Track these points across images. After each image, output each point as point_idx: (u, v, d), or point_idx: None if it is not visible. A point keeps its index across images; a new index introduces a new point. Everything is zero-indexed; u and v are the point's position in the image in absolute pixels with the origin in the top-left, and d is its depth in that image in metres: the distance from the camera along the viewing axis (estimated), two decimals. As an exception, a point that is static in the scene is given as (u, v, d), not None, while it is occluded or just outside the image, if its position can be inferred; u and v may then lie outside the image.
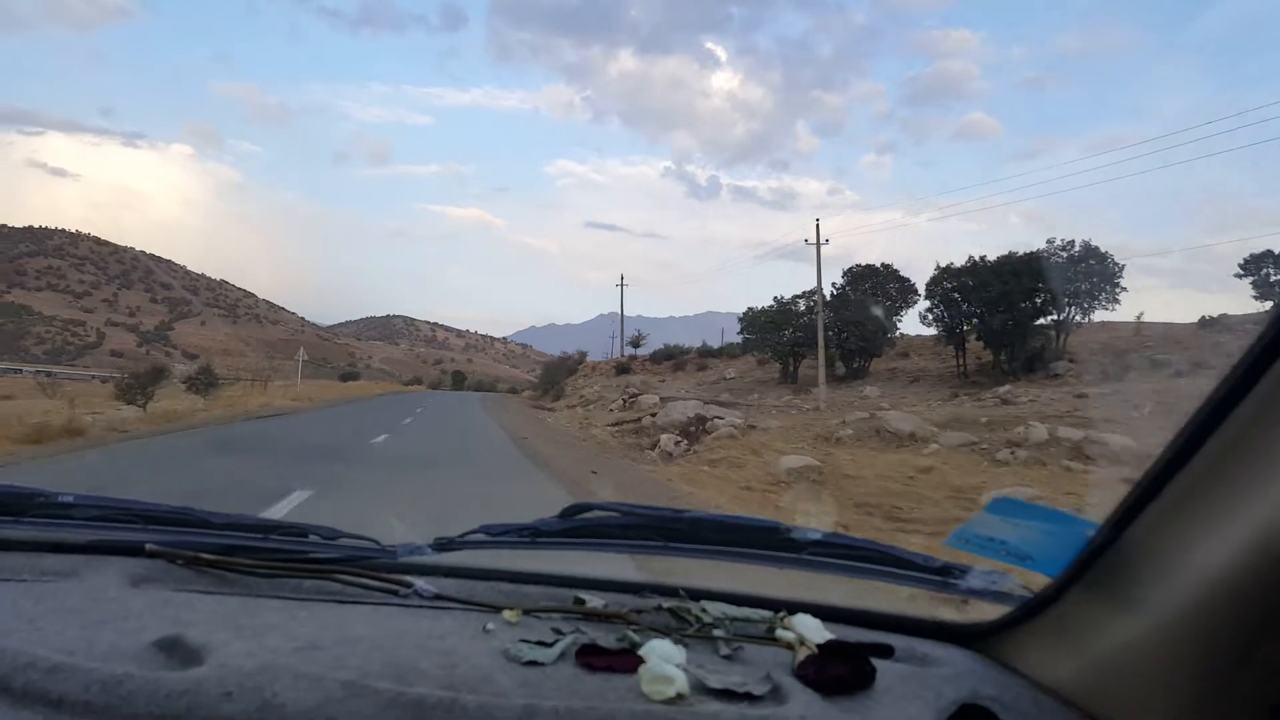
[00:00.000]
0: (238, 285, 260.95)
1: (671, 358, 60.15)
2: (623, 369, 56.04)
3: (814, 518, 10.46)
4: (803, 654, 1.16)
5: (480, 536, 1.46)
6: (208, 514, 1.47)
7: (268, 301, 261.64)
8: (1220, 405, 0.88)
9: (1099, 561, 1.07)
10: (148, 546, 1.33)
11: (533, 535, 1.46)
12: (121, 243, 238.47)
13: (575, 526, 1.48)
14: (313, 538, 1.45)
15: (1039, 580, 1.18)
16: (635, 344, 64.23)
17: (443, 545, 1.45)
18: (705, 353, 59.38)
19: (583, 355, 67.37)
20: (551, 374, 63.50)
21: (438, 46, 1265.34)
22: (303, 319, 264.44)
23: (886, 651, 1.19)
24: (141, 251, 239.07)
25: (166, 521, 1.44)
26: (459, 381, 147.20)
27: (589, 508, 1.52)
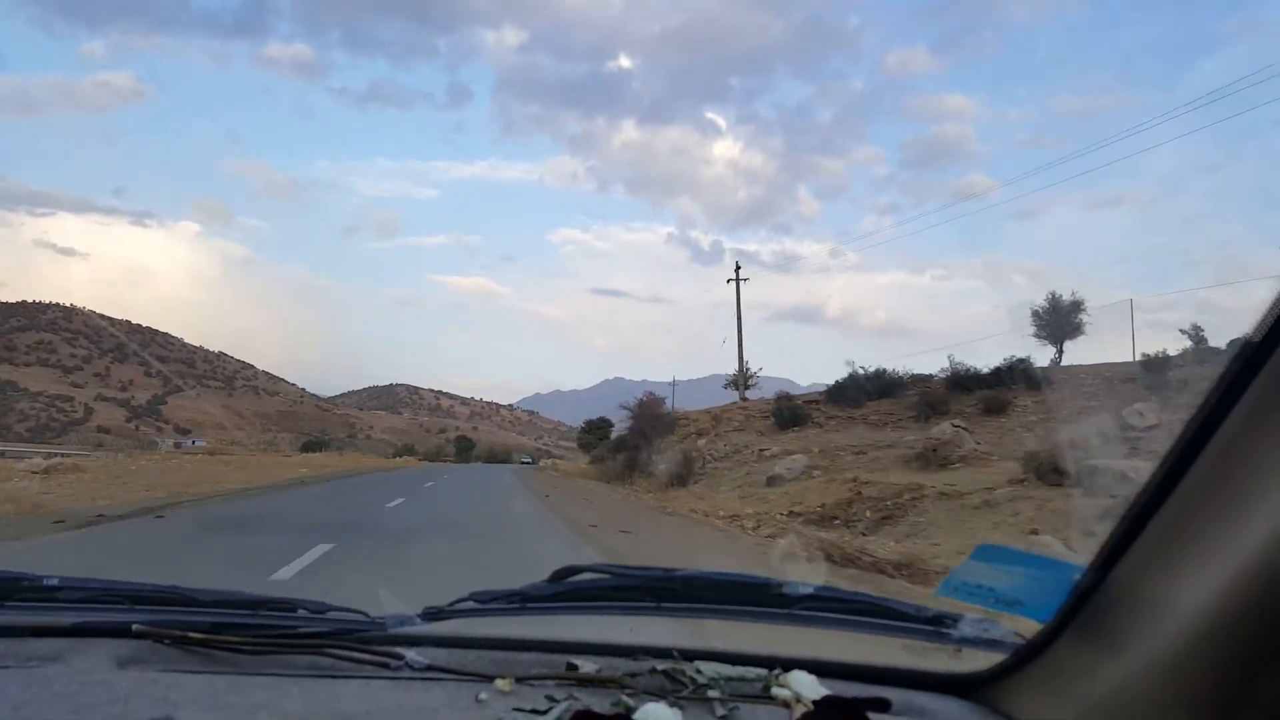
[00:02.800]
0: (237, 357, 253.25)
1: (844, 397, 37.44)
2: (791, 416, 35.00)
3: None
4: (799, 711, 1.16)
5: (470, 604, 1.45)
6: (195, 591, 1.44)
7: (267, 373, 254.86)
8: (1194, 439, 0.88)
9: (1088, 604, 1.07)
10: (134, 627, 1.30)
11: (522, 601, 1.45)
12: (122, 317, 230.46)
13: (565, 590, 1.46)
14: (301, 612, 1.42)
15: (1032, 626, 1.19)
16: (742, 384, 47.49)
17: (432, 615, 1.42)
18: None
19: (659, 401, 44.55)
20: (633, 437, 38.47)
21: (444, 122, 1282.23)
22: (303, 390, 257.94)
23: (883, 705, 1.19)
24: (137, 324, 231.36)
25: (153, 601, 1.42)
26: (465, 450, 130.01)
27: (579, 570, 1.49)
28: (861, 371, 37.56)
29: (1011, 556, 1.22)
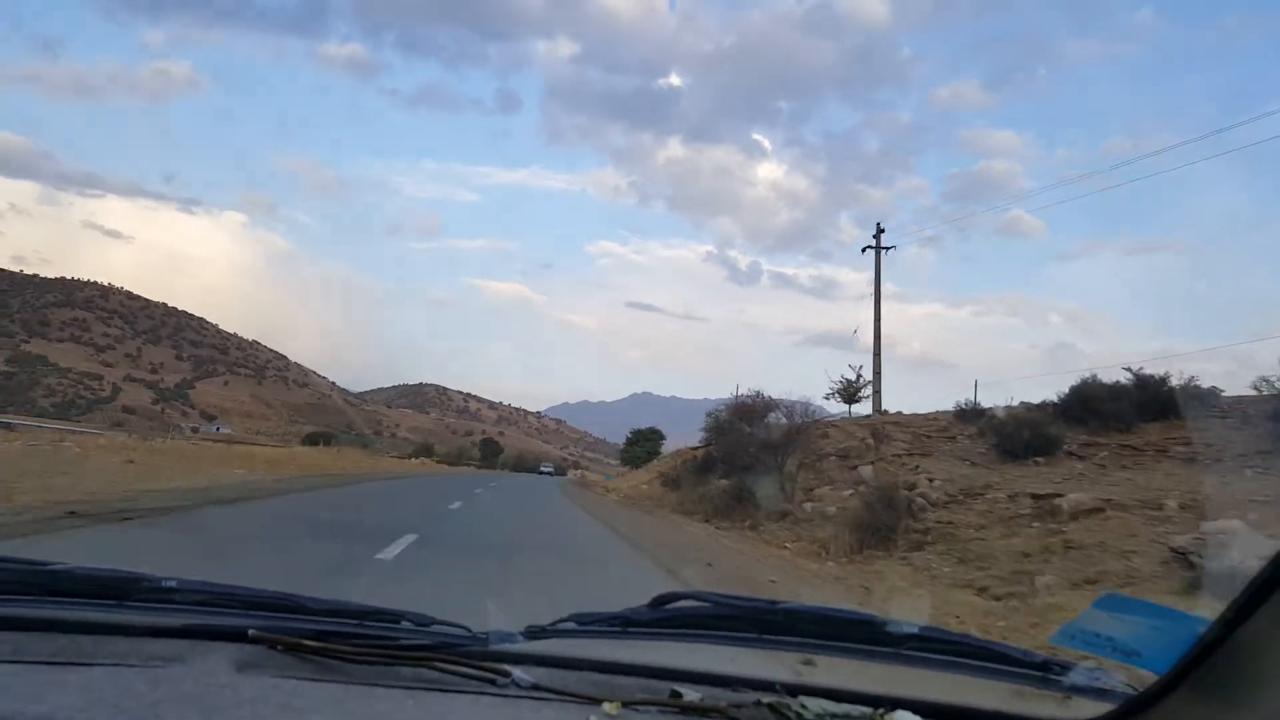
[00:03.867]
0: (270, 347, 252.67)
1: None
2: (1031, 440, 19.48)
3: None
4: None
5: (571, 625, 1.47)
6: (306, 599, 1.48)
7: (299, 365, 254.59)
8: None
9: (1210, 659, 1.06)
10: (250, 632, 1.34)
11: (624, 625, 1.46)
12: (159, 300, 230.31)
13: (667, 616, 1.48)
14: (405, 624, 1.46)
15: (1148, 678, 1.18)
16: (850, 395, 37.89)
17: (534, 633, 1.44)
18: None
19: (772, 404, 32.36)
20: (741, 452, 25.80)
21: (492, 128, 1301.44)
22: (332, 383, 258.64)
23: None
24: (172, 308, 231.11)
25: (266, 606, 1.45)
26: (491, 455, 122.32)
27: (680, 596, 1.51)
28: (1126, 378, 21.39)
29: (1134, 606, 1.21)
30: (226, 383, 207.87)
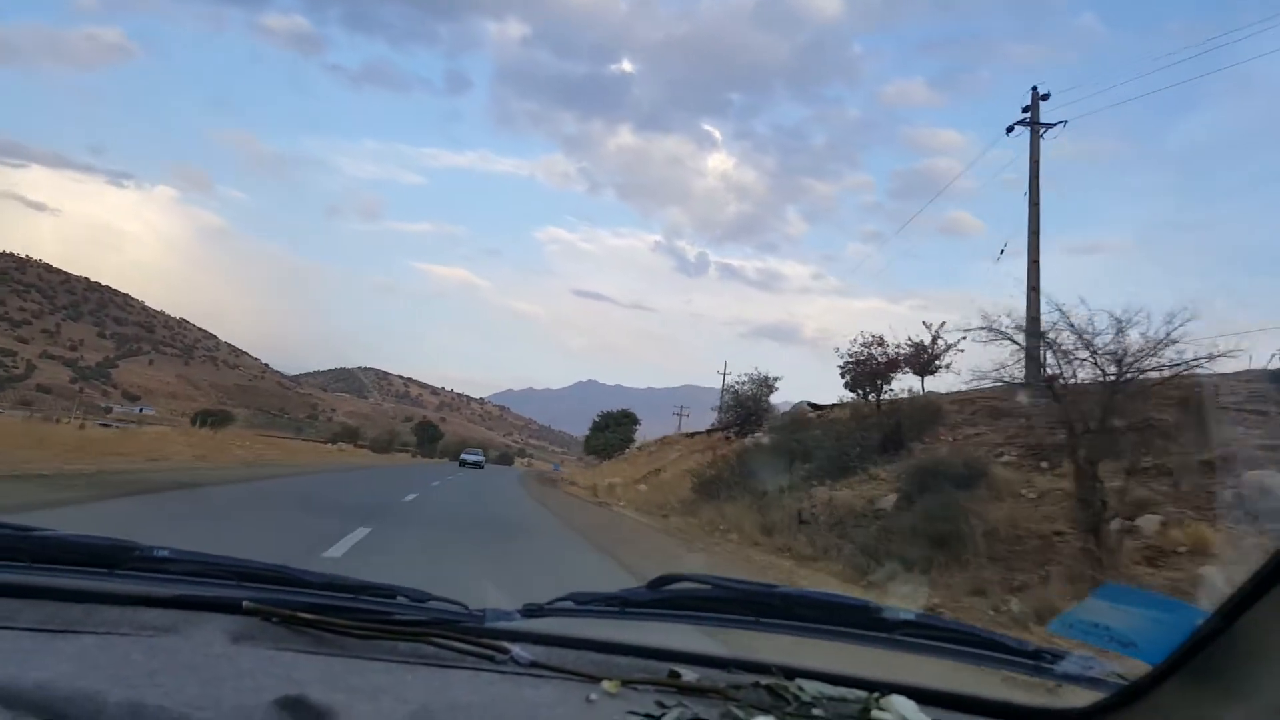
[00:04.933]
0: (199, 326, 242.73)
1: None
2: None
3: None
4: None
5: (568, 604, 1.47)
6: (300, 571, 1.47)
7: (230, 345, 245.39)
8: None
9: (1205, 650, 1.07)
10: (245, 603, 1.33)
11: (621, 605, 1.47)
12: (81, 275, 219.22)
13: (664, 598, 1.49)
14: (401, 599, 1.45)
15: (1141, 669, 1.19)
16: (925, 364, 24.39)
17: (531, 611, 1.45)
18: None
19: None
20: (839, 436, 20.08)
21: (439, 109, 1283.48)
22: (265, 365, 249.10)
23: None
24: (95, 283, 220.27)
25: (259, 578, 1.45)
26: (429, 441, 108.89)
27: (678, 579, 1.51)
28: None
29: (1133, 597, 1.23)
30: (151, 362, 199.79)
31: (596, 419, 70.44)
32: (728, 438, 35.69)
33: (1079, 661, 1.33)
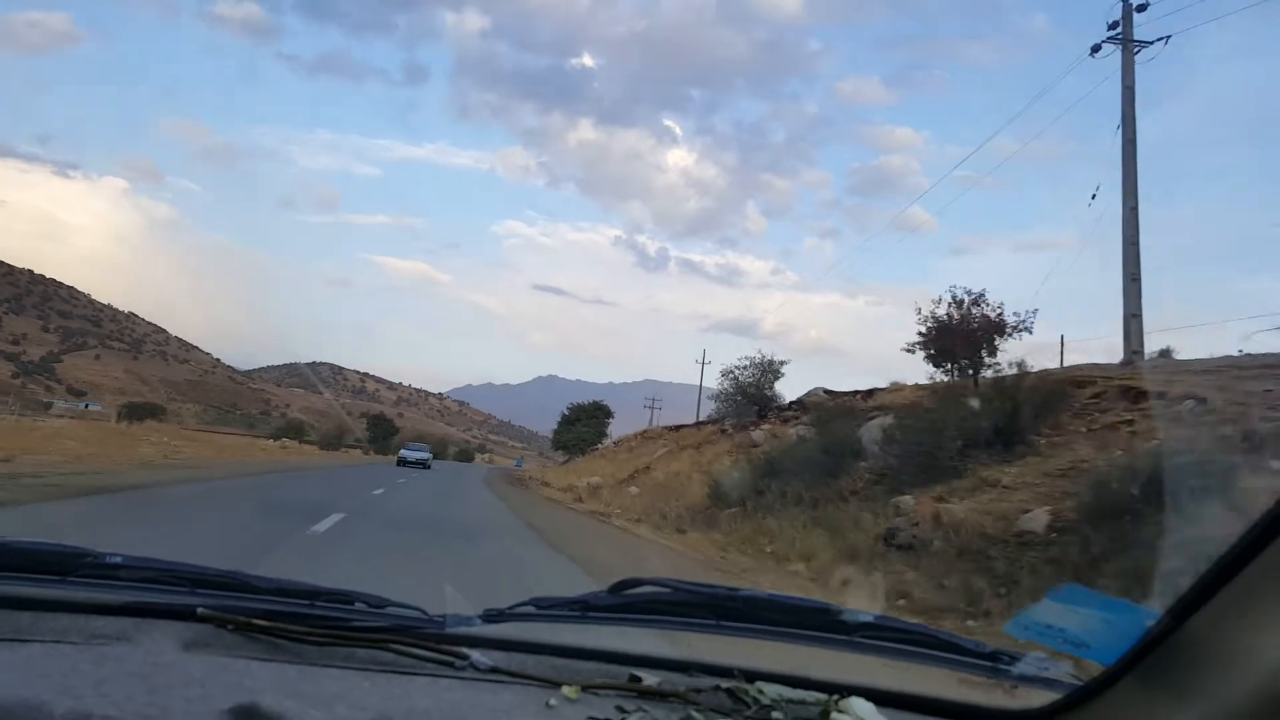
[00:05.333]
0: (149, 320, 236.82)
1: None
2: None
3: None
4: None
5: (530, 609, 1.46)
6: (255, 578, 1.46)
7: (180, 339, 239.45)
8: None
9: (1157, 651, 1.09)
10: (199, 610, 1.32)
11: (583, 609, 1.46)
12: (24, 267, 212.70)
13: (626, 602, 1.48)
14: (359, 605, 1.44)
15: (1095, 670, 1.22)
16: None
17: (492, 617, 1.43)
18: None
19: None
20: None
21: (396, 100, 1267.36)
22: (217, 360, 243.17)
23: None
24: (39, 275, 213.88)
25: (213, 585, 1.43)
26: (383, 437, 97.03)
27: (640, 583, 1.51)
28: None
29: (1087, 599, 1.24)
30: (98, 357, 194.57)
31: (565, 411, 65.71)
32: (724, 430, 32.39)
33: (1035, 663, 1.34)
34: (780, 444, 22.59)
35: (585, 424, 62.17)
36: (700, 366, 60.34)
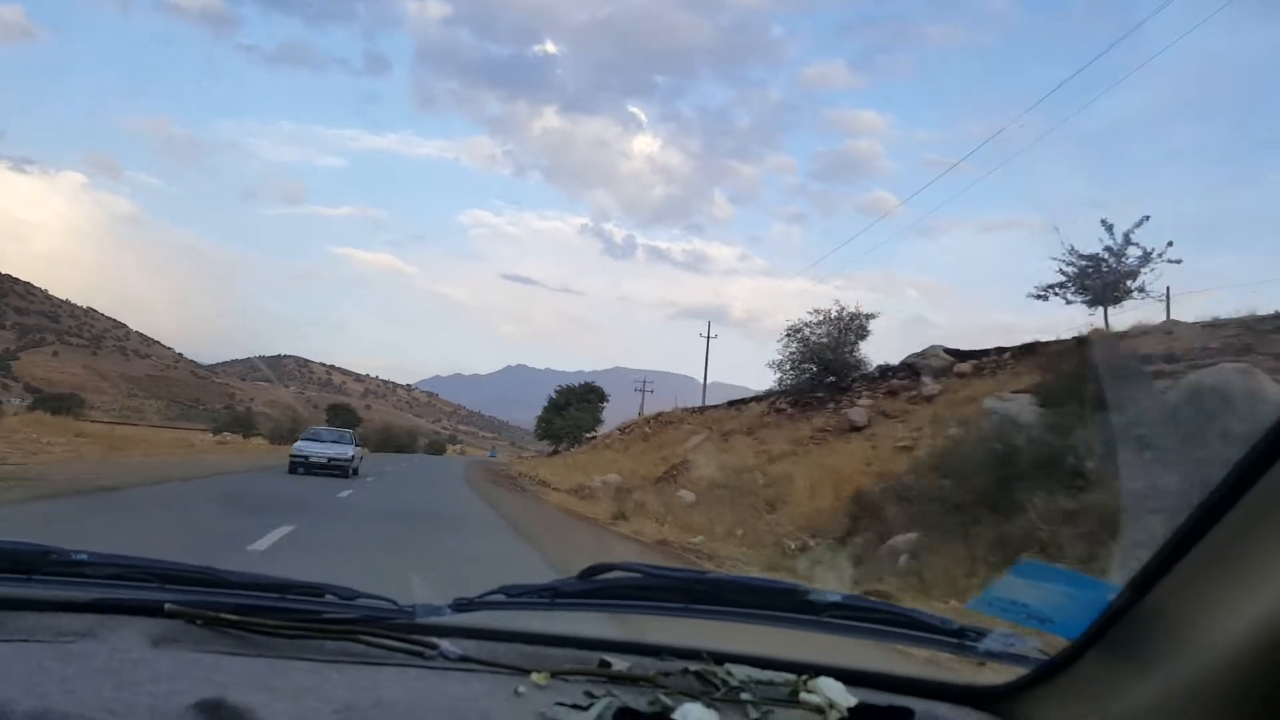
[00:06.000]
0: (108, 315, 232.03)
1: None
2: None
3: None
4: (832, 717, 1.22)
5: (499, 597, 1.47)
6: (224, 572, 1.47)
7: (140, 334, 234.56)
8: (1252, 469, 0.90)
9: (1120, 624, 1.11)
10: (167, 606, 1.31)
11: (552, 596, 1.47)
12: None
13: (596, 587, 1.49)
14: (329, 597, 1.45)
15: (1059, 644, 1.24)
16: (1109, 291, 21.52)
17: (462, 606, 1.44)
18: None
19: None
20: None
21: (358, 90, 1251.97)
22: (179, 355, 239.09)
23: (906, 715, 1.25)
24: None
25: (182, 580, 1.43)
26: (343, 427, 78.80)
27: (609, 568, 1.52)
28: None
29: (1049, 574, 1.26)
30: (56, 353, 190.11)
31: (553, 395, 58.99)
32: (778, 409, 26.16)
33: (1001, 639, 1.35)
34: (967, 427, 14.08)
35: (578, 409, 56.04)
36: (706, 341, 53.23)
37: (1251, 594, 0.88)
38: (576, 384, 60.26)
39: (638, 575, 1.48)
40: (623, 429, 46.22)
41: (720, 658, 1.35)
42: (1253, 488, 0.89)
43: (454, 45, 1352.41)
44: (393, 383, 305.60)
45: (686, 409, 41.36)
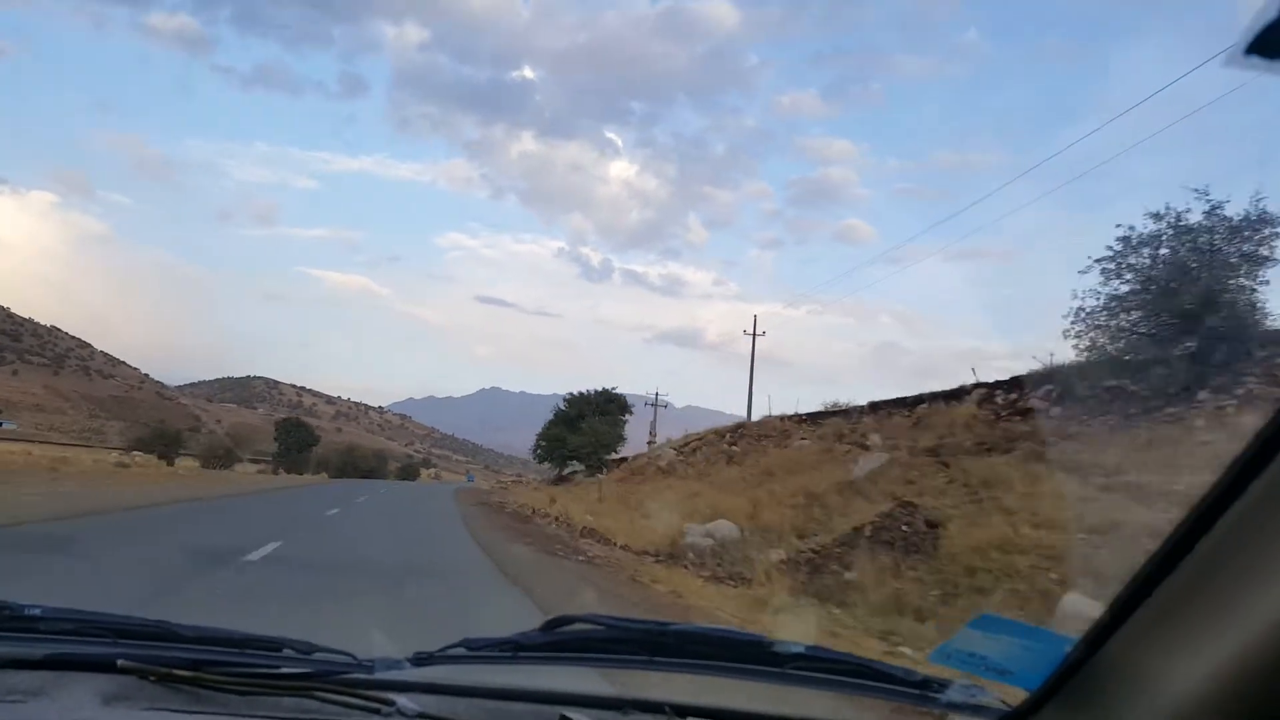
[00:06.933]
0: (72, 334, 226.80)
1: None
2: None
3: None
4: None
5: (460, 650, 1.45)
6: (180, 626, 1.44)
7: (105, 354, 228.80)
8: (1202, 519, 0.90)
9: (1075, 678, 1.14)
10: (119, 662, 1.29)
11: (514, 649, 1.46)
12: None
13: (558, 640, 1.48)
14: (287, 651, 1.43)
15: (1019, 696, 1.25)
16: None
17: (422, 660, 1.43)
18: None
19: None
20: None
21: (335, 113, 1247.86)
22: (145, 375, 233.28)
23: None
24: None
25: (136, 635, 1.41)
26: (297, 446, 73.10)
27: (572, 620, 1.51)
28: None
29: (1006, 626, 1.28)
30: (15, 372, 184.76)
31: (561, 406, 48.39)
32: (1013, 411, 15.62)
33: (963, 690, 1.36)
34: None
35: (597, 419, 44.86)
36: (752, 338, 43.46)
37: (1208, 644, 0.88)
38: (591, 390, 48.24)
39: (601, 627, 1.46)
40: (682, 446, 34.30)
41: (684, 710, 1.35)
42: (1206, 536, 0.89)
43: (432, 70, 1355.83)
44: (364, 405, 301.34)
45: (789, 416, 28.98)
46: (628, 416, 47.26)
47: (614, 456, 43.17)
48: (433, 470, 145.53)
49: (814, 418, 26.50)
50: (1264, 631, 0.81)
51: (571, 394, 48.45)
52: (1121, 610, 1.02)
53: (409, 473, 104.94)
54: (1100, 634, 1.06)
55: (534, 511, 27.09)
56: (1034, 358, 16.88)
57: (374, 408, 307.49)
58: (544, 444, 48.85)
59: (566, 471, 46.04)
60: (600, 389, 47.70)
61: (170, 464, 52.88)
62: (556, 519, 23.45)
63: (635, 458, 39.73)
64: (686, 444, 34.02)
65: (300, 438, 76.54)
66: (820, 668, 1.43)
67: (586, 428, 44.09)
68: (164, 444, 59.44)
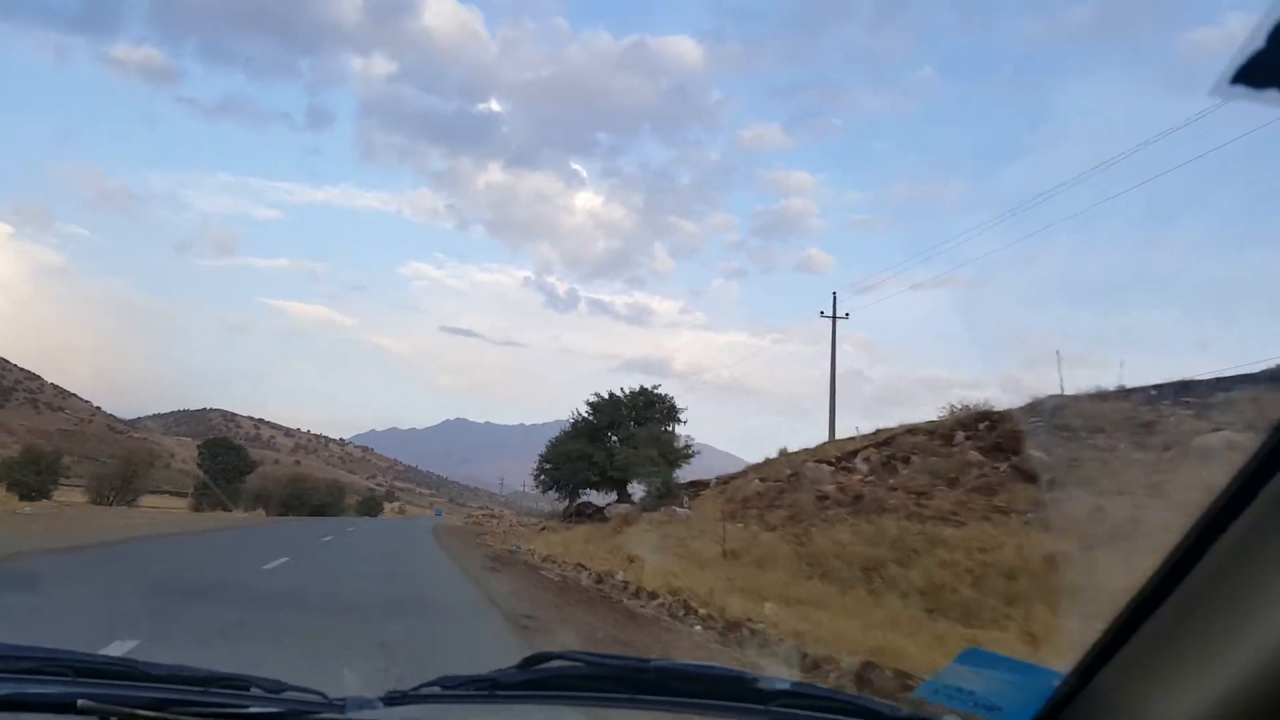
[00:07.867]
0: (21, 366, 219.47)
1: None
2: None
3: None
4: None
5: (435, 690, 1.42)
6: (145, 665, 1.40)
7: (55, 386, 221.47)
8: (1192, 549, 0.91)
9: (1066, 711, 1.13)
10: (80, 703, 1.24)
11: (491, 688, 1.42)
12: None
13: (536, 678, 1.45)
14: (255, 690, 1.38)
15: None
16: None
17: (395, 699, 1.40)
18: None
19: None
20: None
21: (301, 143, 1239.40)
22: (96, 408, 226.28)
23: None
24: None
25: (99, 674, 1.37)
26: (227, 475, 57.87)
27: (550, 657, 1.48)
28: None
29: (993, 661, 1.26)
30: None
31: (585, 413, 36.68)
32: None
33: None
34: None
35: (647, 427, 33.47)
36: (832, 321, 34.14)
37: (1198, 680, 0.87)
38: (628, 390, 36.80)
39: (580, 664, 1.43)
40: (840, 466, 21.04)
41: None
42: (1196, 566, 0.88)
43: (399, 101, 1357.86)
44: (325, 437, 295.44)
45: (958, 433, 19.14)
46: (674, 426, 35.54)
47: (698, 488, 28.64)
48: (396, 504, 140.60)
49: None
50: (1258, 660, 0.80)
51: (599, 396, 37.21)
52: (1113, 640, 1.00)
53: (371, 507, 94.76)
54: (1092, 665, 1.04)
55: (600, 579, 15.62)
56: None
57: (335, 440, 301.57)
58: (551, 466, 37.60)
59: (580, 501, 36.35)
60: (639, 388, 36.37)
61: (29, 500, 37.89)
62: (699, 610, 11.47)
63: (729, 479, 26.32)
64: (866, 463, 19.67)
65: (229, 462, 60.90)
66: (805, 704, 1.39)
67: (644, 435, 32.44)
68: (45, 471, 44.15)
